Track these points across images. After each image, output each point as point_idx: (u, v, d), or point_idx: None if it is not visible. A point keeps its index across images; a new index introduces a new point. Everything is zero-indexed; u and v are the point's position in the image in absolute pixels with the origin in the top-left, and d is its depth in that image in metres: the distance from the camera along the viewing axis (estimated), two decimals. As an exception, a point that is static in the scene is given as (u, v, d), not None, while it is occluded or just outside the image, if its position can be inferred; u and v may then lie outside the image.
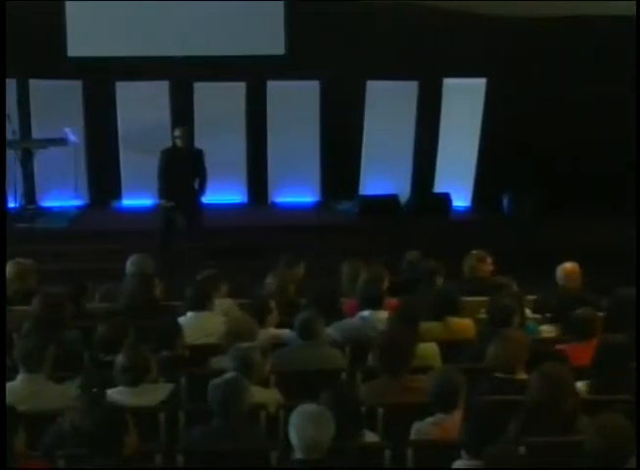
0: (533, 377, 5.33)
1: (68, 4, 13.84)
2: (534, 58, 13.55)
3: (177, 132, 11.54)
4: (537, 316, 7.61)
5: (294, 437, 4.60)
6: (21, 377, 5.84)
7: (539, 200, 13.14)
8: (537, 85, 13.52)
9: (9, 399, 5.69)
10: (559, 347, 6.64)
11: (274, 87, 14.04)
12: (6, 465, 4.60)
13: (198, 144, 12.99)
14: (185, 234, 11.41)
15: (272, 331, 7.02)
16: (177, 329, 6.59)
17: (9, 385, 5.83)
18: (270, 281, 7.94)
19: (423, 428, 5.25)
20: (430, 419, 5.26)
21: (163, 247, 11.14)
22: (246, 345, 6.00)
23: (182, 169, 11.34)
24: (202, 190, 11.54)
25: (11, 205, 12.91)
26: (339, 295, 7.71)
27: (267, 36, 14.00)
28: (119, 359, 5.69)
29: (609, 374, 5.80)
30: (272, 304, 7.24)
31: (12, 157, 12.80)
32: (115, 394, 5.57)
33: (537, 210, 12.99)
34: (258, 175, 14.24)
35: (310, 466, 4.58)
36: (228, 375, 5.39)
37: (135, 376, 5.65)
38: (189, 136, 11.71)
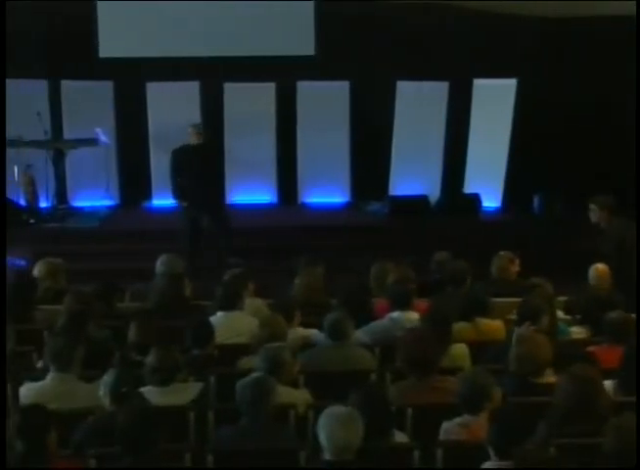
0: (563, 379, 5.29)
1: (99, 5, 13.92)
2: (565, 58, 13.49)
3: (192, 129, 11.52)
4: (568, 317, 7.57)
5: (323, 438, 4.60)
6: (51, 376, 5.87)
7: (570, 200, 13.05)
8: (568, 85, 13.44)
9: (39, 397, 5.74)
10: (589, 348, 6.60)
11: (304, 88, 14.04)
12: (41, 464, 4.62)
13: (228, 144, 13.06)
14: (211, 232, 11.41)
15: (301, 331, 7.02)
16: (208, 329, 6.60)
17: (39, 384, 5.87)
18: (296, 281, 7.94)
19: (450, 428, 5.24)
20: (457, 420, 5.24)
21: (190, 247, 11.15)
22: (276, 345, 6.00)
23: (197, 167, 11.31)
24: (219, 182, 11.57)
25: (43, 204, 13.00)
26: (369, 295, 7.69)
27: (297, 37, 14.02)
28: (149, 359, 5.71)
29: (635, 374, 5.75)
30: (298, 304, 7.26)
31: (43, 157, 12.89)
32: (145, 393, 5.58)
33: (568, 210, 12.91)
34: (288, 176, 14.25)
35: (340, 467, 4.57)
36: (256, 375, 5.39)
37: (165, 376, 5.67)
38: (202, 133, 11.65)
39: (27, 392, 5.83)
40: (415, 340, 5.99)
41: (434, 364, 5.89)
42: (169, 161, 11.47)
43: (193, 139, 11.43)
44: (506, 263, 8.53)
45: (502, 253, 8.65)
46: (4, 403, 5.12)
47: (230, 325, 7.15)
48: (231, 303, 7.36)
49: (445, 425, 5.25)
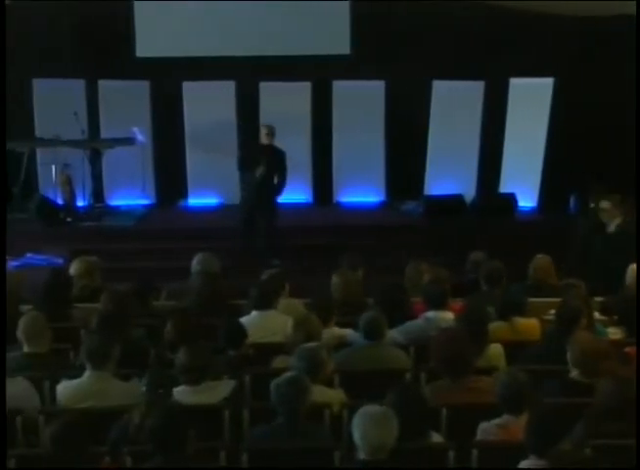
0: (602, 380, 5.26)
1: (136, 6, 14.00)
2: (602, 57, 13.38)
3: (265, 130, 11.55)
4: (605, 318, 7.52)
5: (358, 438, 4.59)
6: (87, 374, 5.90)
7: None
8: (605, 85, 13.34)
9: (75, 395, 5.77)
10: (626, 349, 6.55)
11: (339, 87, 14.04)
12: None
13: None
14: (262, 233, 11.46)
15: (336, 331, 7.02)
16: (240, 330, 6.60)
17: (76, 382, 5.90)
18: (334, 281, 7.93)
19: (488, 429, 5.21)
20: (496, 421, 5.22)
21: (244, 245, 11.20)
22: (312, 344, 5.99)
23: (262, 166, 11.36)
24: (280, 189, 11.60)
25: (79, 203, 13.07)
26: (404, 295, 7.66)
27: (333, 36, 14.03)
28: (180, 358, 5.72)
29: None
30: (335, 303, 7.25)
31: (81, 156, 12.97)
32: (178, 392, 5.59)
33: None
34: (323, 175, 14.24)
35: (374, 467, 4.56)
36: (291, 374, 5.39)
37: (196, 375, 5.68)
38: (273, 135, 11.68)
39: (64, 390, 5.87)
40: (449, 340, 5.97)
41: (469, 364, 5.87)
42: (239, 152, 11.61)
43: (263, 139, 11.48)
44: (542, 264, 8.48)
45: (539, 255, 8.61)
46: (4, 403, 5.12)
47: (264, 324, 7.16)
48: (266, 302, 7.36)
49: (483, 425, 5.22)
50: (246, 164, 11.52)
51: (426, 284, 7.61)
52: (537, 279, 8.43)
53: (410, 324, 7.16)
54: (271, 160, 11.38)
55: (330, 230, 12.35)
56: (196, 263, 8.60)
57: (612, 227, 10.32)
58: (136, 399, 5.38)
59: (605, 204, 10.49)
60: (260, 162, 11.29)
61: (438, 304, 7.24)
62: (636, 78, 12.99)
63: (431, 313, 7.19)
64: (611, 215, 10.37)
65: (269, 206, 11.51)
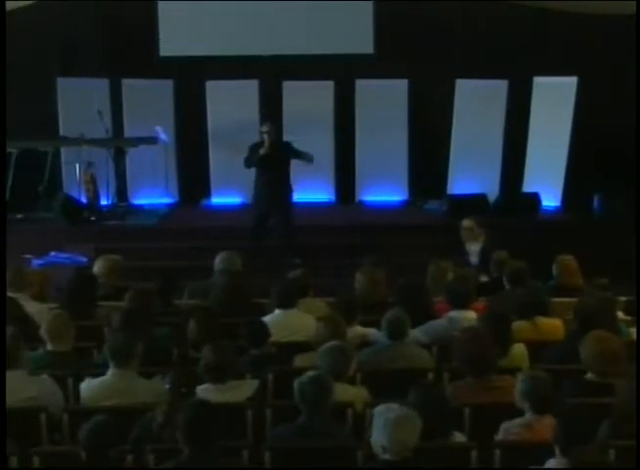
0: (624, 380, 5.24)
1: (160, 5, 14.04)
2: (626, 56, 13.30)
3: (265, 128, 11.52)
4: (628, 318, 7.48)
5: (380, 437, 4.58)
6: (110, 372, 5.92)
7: (631, 200, 12.89)
8: (629, 83, 13.27)
9: (99, 393, 5.79)
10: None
11: (362, 86, 14.03)
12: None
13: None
14: (278, 231, 11.46)
15: (359, 330, 7.02)
16: (263, 329, 6.61)
17: (99, 380, 5.92)
18: (358, 279, 7.93)
19: (511, 428, 5.19)
20: (518, 420, 5.20)
21: (252, 242, 11.21)
22: (336, 343, 5.99)
23: (272, 164, 11.35)
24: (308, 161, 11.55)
25: (103, 202, 13.12)
26: (427, 294, 7.65)
27: (356, 35, 14.02)
28: (205, 357, 5.73)
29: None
30: (359, 302, 7.25)
31: (104, 155, 13.02)
32: (202, 391, 5.61)
33: (629, 210, 12.74)
34: (346, 174, 14.23)
35: (397, 466, 4.55)
36: (314, 373, 5.39)
37: (221, 373, 5.69)
38: (276, 132, 11.68)
39: (87, 387, 5.89)
40: (472, 339, 5.95)
41: (492, 364, 5.85)
42: (249, 152, 11.49)
43: (268, 137, 11.43)
44: (568, 265, 8.46)
45: (563, 256, 8.57)
46: (4, 401, 5.13)
47: (287, 323, 7.17)
48: (288, 301, 7.37)
49: (505, 425, 5.20)
50: (251, 160, 11.45)
51: (449, 283, 7.60)
52: (562, 279, 8.40)
53: (433, 323, 7.15)
54: (280, 156, 11.39)
55: (352, 229, 12.33)
56: (218, 262, 8.63)
57: (471, 248, 10.21)
58: (159, 397, 5.39)
59: (467, 222, 10.33)
60: (272, 160, 11.27)
61: (462, 303, 7.24)
62: (636, 78, 12.93)
63: (454, 313, 7.18)
64: (471, 236, 10.27)
65: (285, 204, 11.50)
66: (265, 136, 11.40)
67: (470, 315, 7.08)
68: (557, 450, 4.59)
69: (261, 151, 11.25)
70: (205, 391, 5.62)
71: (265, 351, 6.51)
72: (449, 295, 7.37)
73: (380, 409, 4.69)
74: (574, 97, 13.43)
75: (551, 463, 4.60)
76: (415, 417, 4.64)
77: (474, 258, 10.04)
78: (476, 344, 5.87)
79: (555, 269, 8.48)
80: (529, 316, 7.06)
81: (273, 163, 11.30)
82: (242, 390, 5.77)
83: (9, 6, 12.71)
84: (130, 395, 5.80)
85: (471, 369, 5.83)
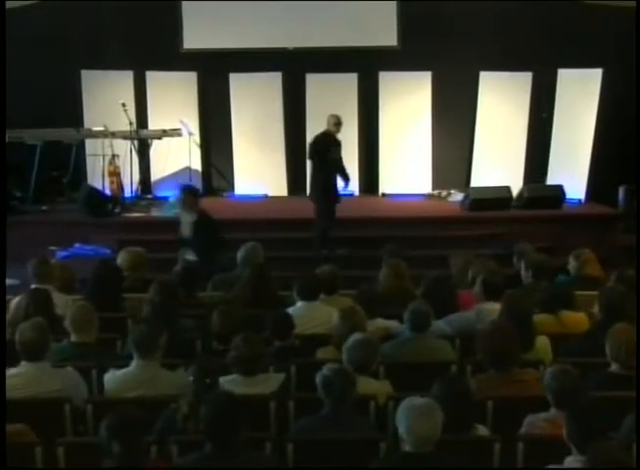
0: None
1: (184, -1, 14.08)
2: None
3: (334, 119, 11.54)
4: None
5: (403, 430, 4.58)
6: (134, 363, 5.94)
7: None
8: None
9: (123, 385, 5.82)
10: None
11: (386, 78, 13.99)
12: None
13: (310, 135, 13.06)
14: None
15: (381, 322, 7.01)
16: (288, 321, 6.62)
17: (123, 371, 5.94)
18: (384, 271, 7.92)
19: (535, 422, 5.17)
20: (543, 414, 5.17)
21: (319, 237, 11.35)
22: (363, 336, 5.98)
23: (334, 156, 11.41)
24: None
25: (127, 194, 13.16)
26: (451, 287, 7.62)
27: (380, 28, 14.00)
28: (235, 349, 5.73)
29: None
30: (381, 294, 7.24)
31: (128, 147, 13.05)
32: (228, 382, 5.61)
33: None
34: (370, 166, 14.21)
35: (419, 459, 4.55)
36: (337, 365, 5.39)
37: (252, 366, 5.69)
38: (342, 124, 11.68)
39: (111, 379, 5.91)
40: (495, 332, 5.93)
41: (515, 357, 5.83)
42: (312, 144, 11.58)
43: (332, 128, 11.49)
44: (589, 258, 8.41)
45: (583, 250, 8.53)
46: (4, 399, 5.15)
47: (309, 316, 7.16)
48: (311, 293, 7.37)
49: (530, 418, 5.18)
50: (315, 152, 11.49)
51: (486, 276, 7.49)
52: (583, 272, 8.35)
53: (458, 316, 7.14)
54: (337, 149, 11.41)
55: (376, 222, 12.32)
56: (242, 253, 8.64)
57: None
58: (183, 388, 5.40)
59: None
60: (331, 148, 11.33)
61: (496, 296, 7.18)
62: (636, 78, 12.84)
63: (485, 305, 7.15)
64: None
65: (335, 196, 11.54)
66: (334, 128, 11.42)
67: (498, 307, 7.03)
68: (572, 447, 4.57)
69: (332, 155, 11.31)
70: (232, 382, 5.62)
71: (289, 343, 6.52)
72: (485, 287, 7.31)
73: (405, 402, 4.68)
74: (599, 89, 13.37)
75: (568, 460, 4.58)
76: (437, 409, 4.62)
77: None
78: (499, 337, 5.84)
79: (574, 262, 8.42)
80: (553, 310, 7.03)
81: (332, 155, 11.39)
82: (268, 383, 5.76)
83: (32, 2, 12.79)
84: (154, 386, 5.81)
85: (494, 362, 5.81)
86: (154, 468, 4.69)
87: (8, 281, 9.81)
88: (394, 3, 14.03)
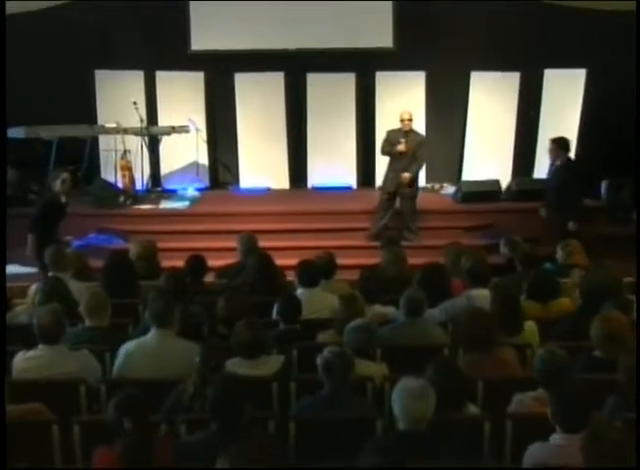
0: (626, 357, 5.20)
1: (192, 2, 14.02)
2: (632, 49, 13.19)
3: (406, 115, 11.55)
4: (634, 299, 7.43)
5: (398, 410, 4.58)
6: (152, 333, 5.98)
7: (638, 187, 12.81)
8: (636, 75, 13.16)
9: (140, 352, 5.82)
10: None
11: (382, 78, 13.96)
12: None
13: (311, 131, 13.04)
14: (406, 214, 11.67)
15: (379, 308, 7.01)
16: (296, 304, 6.63)
17: (141, 339, 5.98)
18: (385, 257, 7.93)
19: (524, 400, 5.17)
20: (531, 393, 5.17)
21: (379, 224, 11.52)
22: (362, 322, 5.99)
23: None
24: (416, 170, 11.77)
25: (138, 187, 13.15)
26: (446, 275, 7.63)
27: (376, 31, 13.98)
28: (238, 333, 5.73)
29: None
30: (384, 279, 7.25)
31: (139, 143, 13.04)
32: (233, 365, 5.61)
33: (635, 197, 12.66)
34: (367, 160, 14.19)
35: (413, 437, 4.55)
36: (338, 348, 5.39)
37: (254, 349, 5.69)
38: (412, 120, 11.68)
39: (129, 347, 5.93)
40: (470, 319, 5.96)
41: (491, 340, 5.84)
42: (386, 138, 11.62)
43: (404, 125, 11.48)
44: (574, 247, 8.42)
45: (569, 240, 8.54)
46: (3, 398, 5.16)
47: (309, 301, 7.15)
48: (311, 280, 7.37)
49: (518, 397, 5.19)
50: (387, 147, 11.55)
51: (472, 265, 7.51)
52: (570, 261, 8.36)
53: (452, 302, 7.14)
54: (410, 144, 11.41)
55: (373, 214, 12.31)
56: (242, 244, 8.66)
57: None
58: (197, 357, 5.39)
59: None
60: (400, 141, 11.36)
61: (482, 282, 7.20)
62: (636, 77, 12.82)
63: (473, 291, 7.16)
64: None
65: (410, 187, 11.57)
66: (406, 124, 11.44)
67: (486, 293, 7.05)
68: (557, 427, 4.57)
69: (399, 147, 11.34)
70: (235, 365, 5.62)
71: (291, 327, 6.52)
72: (471, 274, 7.33)
73: (399, 383, 4.69)
74: (583, 88, 13.37)
75: (553, 437, 4.58)
76: (430, 391, 4.62)
77: None
78: (474, 322, 5.87)
79: (561, 252, 8.43)
80: (540, 297, 7.02)
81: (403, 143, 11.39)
82: (269, 365, 5.77)
83: (49, 3, 12.73)
84: (169, 355, 5.82)
85: (473, 346, 5.83)
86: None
87: (27, 269, 9.84)
88: (390, 7, 13.98)
